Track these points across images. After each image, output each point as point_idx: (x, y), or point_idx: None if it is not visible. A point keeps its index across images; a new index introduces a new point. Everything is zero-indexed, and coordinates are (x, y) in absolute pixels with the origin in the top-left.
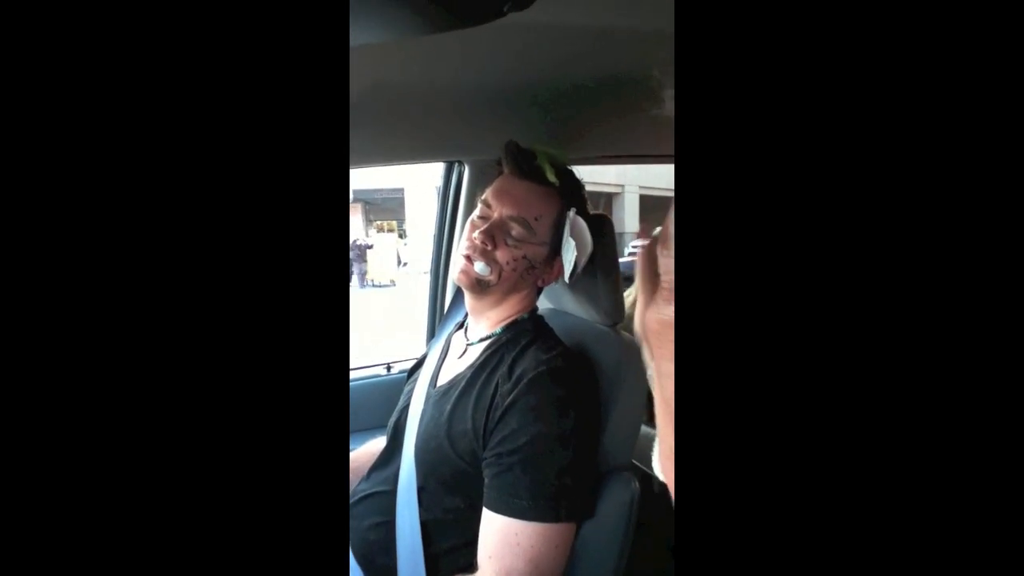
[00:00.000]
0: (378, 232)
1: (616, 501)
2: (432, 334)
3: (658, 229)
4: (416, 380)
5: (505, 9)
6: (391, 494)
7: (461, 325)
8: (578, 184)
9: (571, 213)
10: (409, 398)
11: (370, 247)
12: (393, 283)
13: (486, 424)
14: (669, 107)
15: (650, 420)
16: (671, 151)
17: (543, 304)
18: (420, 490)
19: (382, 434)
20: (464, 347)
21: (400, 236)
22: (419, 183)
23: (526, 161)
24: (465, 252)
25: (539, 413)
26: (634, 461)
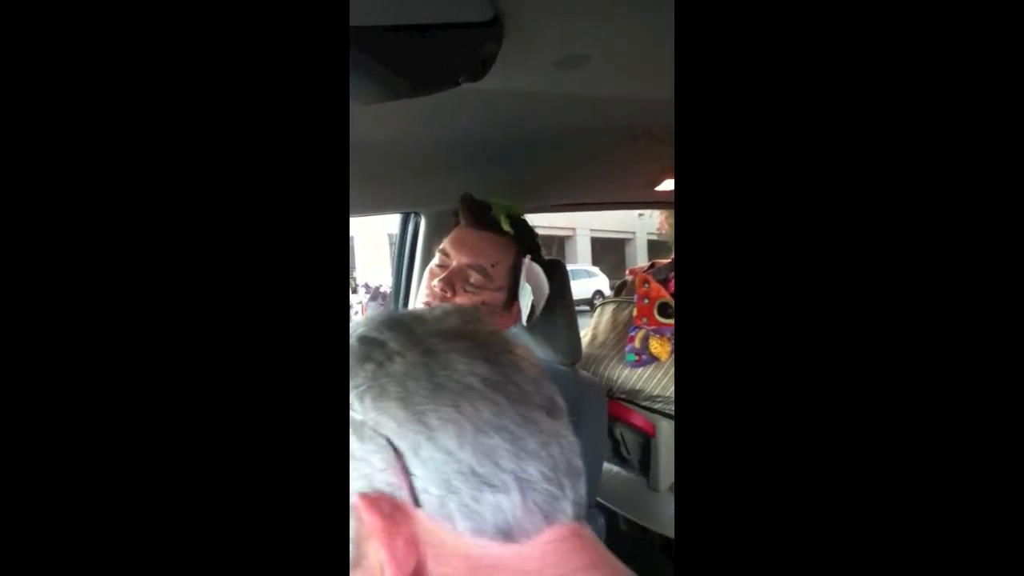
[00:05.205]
0: None
1: None
2: None
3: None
4: None
5: (460, 80)
6: None
7: None
8: (531, 232)
9: (526, 259)
10: None
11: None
12: None
13: None
14: (613, 158)
15: (612, 458)
16: (616, 198)
17: None
18: None
19: None
20: None
21: (352, 291)
22: (368, 233)
23: (481, 212)
24: (425, 299)
25: None
26: (599, 499)
